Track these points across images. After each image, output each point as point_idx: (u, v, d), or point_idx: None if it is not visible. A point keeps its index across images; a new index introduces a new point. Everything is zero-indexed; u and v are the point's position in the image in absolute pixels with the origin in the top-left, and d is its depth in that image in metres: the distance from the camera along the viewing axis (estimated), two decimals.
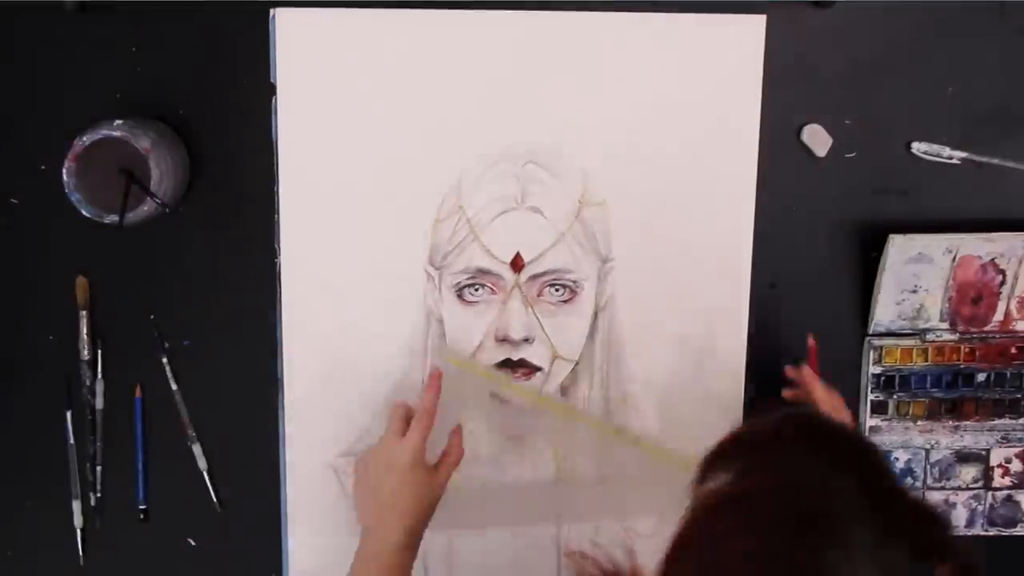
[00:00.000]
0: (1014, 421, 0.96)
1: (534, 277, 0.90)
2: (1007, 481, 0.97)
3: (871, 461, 0.55)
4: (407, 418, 0.83)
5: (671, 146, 0.89)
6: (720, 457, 0.58)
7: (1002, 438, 0.96)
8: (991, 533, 0.97)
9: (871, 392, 0.94)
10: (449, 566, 0.92)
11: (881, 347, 0.94)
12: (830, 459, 0.54)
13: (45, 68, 0.86)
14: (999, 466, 0.97)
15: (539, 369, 0.91)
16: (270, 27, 0.85)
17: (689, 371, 0.92)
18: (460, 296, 0.90)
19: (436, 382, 0.84)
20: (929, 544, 0.51)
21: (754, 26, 0.88)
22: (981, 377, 0.95)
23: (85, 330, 0.88)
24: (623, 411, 0.92)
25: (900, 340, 0.94)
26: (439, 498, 0.82)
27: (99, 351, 0.89)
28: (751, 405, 0.92)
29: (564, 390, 0.92)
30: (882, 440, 0.95)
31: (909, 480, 0.96)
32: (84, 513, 0.91)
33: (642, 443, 0.91)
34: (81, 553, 0.91)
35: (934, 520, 0.52)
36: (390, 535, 0.79)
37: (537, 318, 0.90)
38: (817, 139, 0.91)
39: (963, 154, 0.93)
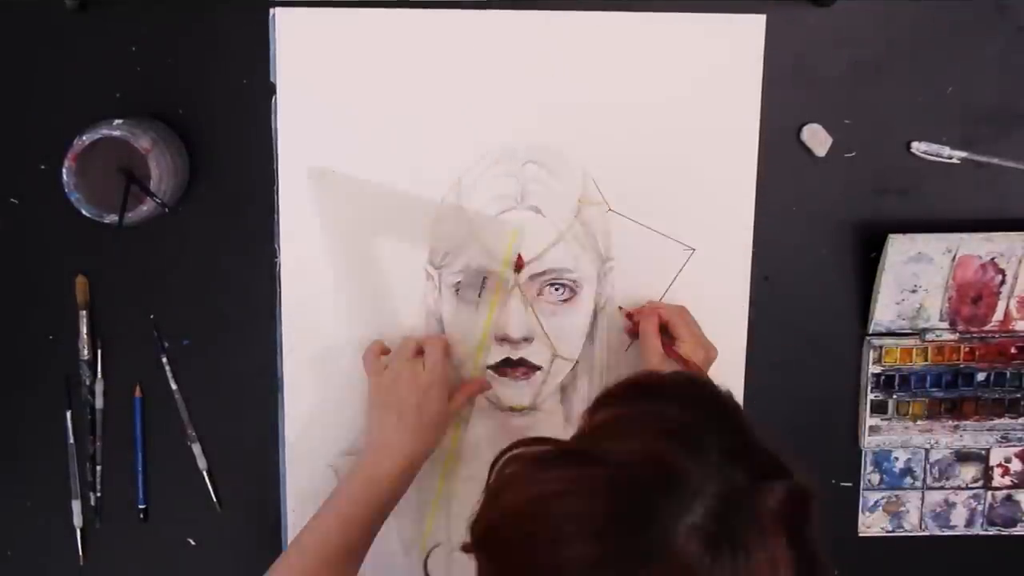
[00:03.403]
0: (1014, 421, 0.96)
1: (534, 276, 0.90)
2: (1007, 481, 0.97)
3: (736, 420, 0.59)
4: (420, 347, 0.86)
5: (671, 146, 0.89)
6: (611, 396, 0.62)
7: (1002, 438, 0.96)
8: (991, 533, 0.97)
9: (871, 392, 0.94)
10: (448, 574, 0.92)
11: (881, 347, 0.94)
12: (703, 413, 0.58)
13: (45, 68, 0.86)
14: (999, 466, 0.97)
15: (538, 368, 0.91)
16: (270, 27, 0.85)
17: None
18: (460, 295, 0.90)
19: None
20: (766, 468, 0.55)
21: (754, 26, 0.88)
22: (981, 377, 0.95)
23: (85, 330, 0.88)
24: None
25: (900, 340, 0.94)
26: (446, 428, 0.85)
27: (99, 351, 0.89)
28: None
29: (564, 389, 0.92)
30: (882, 440, 0.95)
31: (909, 479, 0.96)
32: (84, 513, 0.91)
33: None
34: (81, 553, 0.91)
35: (777, 461, 0.56)
36: (399, 455, 0.81)
37: (537, 317, 0.90)
38: (817, 139, 0.91)
39: (963, 154, 0.93)
